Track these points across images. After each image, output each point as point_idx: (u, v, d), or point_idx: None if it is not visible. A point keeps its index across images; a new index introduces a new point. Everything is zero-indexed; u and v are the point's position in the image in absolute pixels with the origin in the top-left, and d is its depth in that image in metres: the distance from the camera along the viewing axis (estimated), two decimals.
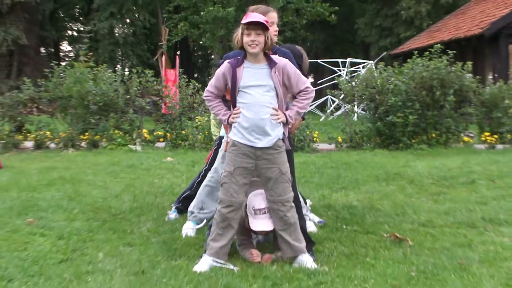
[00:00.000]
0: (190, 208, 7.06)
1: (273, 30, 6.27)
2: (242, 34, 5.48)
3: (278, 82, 5.53)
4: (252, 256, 5.63)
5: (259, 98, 5.50)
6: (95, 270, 5.51)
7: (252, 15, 5.48)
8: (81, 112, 15.69)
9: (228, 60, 5.67)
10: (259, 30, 5.41)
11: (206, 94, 5.83)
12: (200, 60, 56.81)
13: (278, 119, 5.54)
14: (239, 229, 5.75)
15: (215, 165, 6.88)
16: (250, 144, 5.53)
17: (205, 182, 7.04)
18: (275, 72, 5.52)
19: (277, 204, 5.61)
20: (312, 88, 5.74)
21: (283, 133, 5.62)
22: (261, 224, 5.67)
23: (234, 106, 5.60)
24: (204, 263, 5.53)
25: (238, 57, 5.61)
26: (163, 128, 16.50)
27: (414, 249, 6.12)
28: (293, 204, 5.70)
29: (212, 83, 5.76)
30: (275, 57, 5.64)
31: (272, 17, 6.29)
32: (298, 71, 5.71)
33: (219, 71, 5.69)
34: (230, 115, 5.62)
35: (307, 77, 6.33)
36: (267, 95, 5.51)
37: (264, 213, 5.66)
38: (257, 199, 5.71)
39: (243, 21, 5.45)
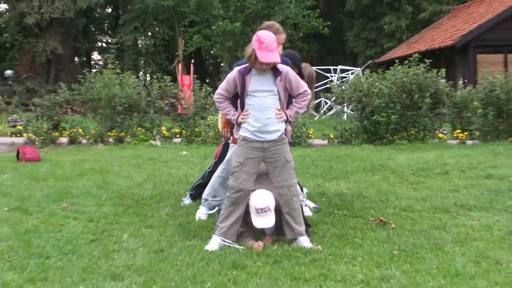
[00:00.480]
0: (204, 196, 7.05)
1: (280, 50, 6.26)
2: (256, 61, 5.50)
3: (281, 87, 5.65)
4: (254, 247, 5.55)
5: (265, 101, 5.61)
6: (120, 249, 5.49)
7: (266, 46, 5.46)
8: (109, 112, 15.68)
9: (238, 68, 5.75)
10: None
11: (217, 96, 5.88)
12: (211, 68, 56.72)
13: (281, 117, 5.66)
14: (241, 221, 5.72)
15: (227, 157, 6.85)
16: (259, 139, 5.61)
17: (217, 173, 7.02)
18: (280, 80, 5.63)
19: (283, 189, 5.64)
20: (309, 91, 5.83)
21: (285, 128, 5.72)
22: (262, 221, 5.62)
23: (243, 107, 5.64)
24: (214, 243, 5.52)
25: (247, 65, 5.65)
26: (179, 126, 16.48)
27: (396, 231, 6.10)
28: (297, 190, 5.71)
29: (223, 87, 5.81)
30: (278, 66, 5.66)
31: (280, 38, 6.27)
32: (298, 77, 5.80)
33: (229, 76, 5.76)
34: (239, 115, 5.66)
35: (306, 81, 6.38)
36: (271, 98, 5.64)
37: (265, 211, 5.59)
38: (259, 199, 5.66)
39: (261, 59, 5.46)
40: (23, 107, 26.68)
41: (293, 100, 5.82)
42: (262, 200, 5.64)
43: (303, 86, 5.80)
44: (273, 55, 5.47)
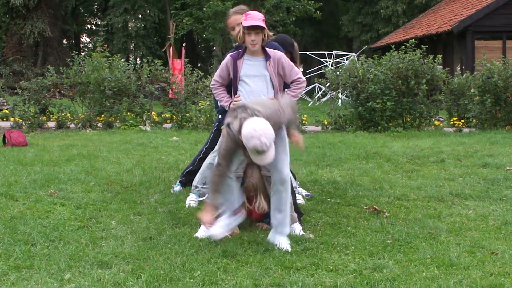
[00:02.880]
0: (194, 183, 7.06)
1: (235, 32, 6.29)
2: (243, 33, 5.51)
3: (273, 73, 5.60)
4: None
5: (257, 87, 5.58)
6: (108, 236, 5.49)
7: (252, 16, 5.47)
8: (98, 97, 15.65)
9: (230, 53, 5.78)
10: (258, 30, 5.47)
11: (212, 83, 5.91)
12: (203, 51, 56.57)
13: None
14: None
15: (218, 144, 6.83)
16: None
17: (208, 160, 7.01)
18: (270, 64, 5.59)
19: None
20: (303, 78, 5.79)
21: None
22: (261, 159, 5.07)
23: (235, 93, 5.64)
24: (204, 230, 5.52)
25: (239, 51, 5.65)
26: (170, 111, 16.46)
27: (390, 220, 6.11)
28: (289, 178, 5.61)
29: (217, 73, 5.85)
30: (270, 51, 5.65)
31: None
32: (291, 63, 5.78)
33: (223, 63, 5.80)
34: (231, 102, 5.64)
35: (298, 65, 6.36)
36: (264, 83, 5.59)
37: (264, 151, 4.94)
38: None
39: (245, 24, 5.46)
40: (10, 91, 26.53)
41: (288, 88, 5.80)
42: (256, 143, 5.01)
43: (297, 72, 5.78)
44: (257, 22, 5.48)
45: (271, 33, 5.70)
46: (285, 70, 5.68)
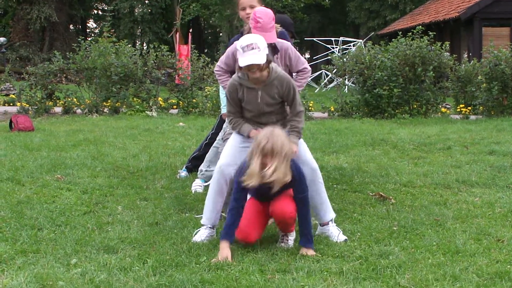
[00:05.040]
0: (200, 167, 7.06)
1: (245, 13, 6.20)
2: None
3: (279, 63, 5.58)
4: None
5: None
6: (114, 221, 5.51)
7: (262, 28, 5.38)
8: (104, 82, 15.63)
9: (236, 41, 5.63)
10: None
11: (217, 69, 5.88)
12: (210, 37, 56.37)
13: None
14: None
15: (221, 133, 6.83)
16: None
17: (214, 144, 7.01)
18: (277, 58, 5.60)
19: None
20: (309, 68, 5.82)
21: None
22: (248, 59, 4.95)
23: None
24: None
25: None
26: (176, 96, 16.44)
27: (396, 207, 6.11)
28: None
29: (222, 60, 5.82)
30: (278, 42, 5.61)
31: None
32: (298, 54, 5.83)
33: (229, 50, 5.78)
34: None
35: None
36: None
37: (252, 48, 4.94)
38: (245, 38, 5.10)
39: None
40: (17, 76, 26.53)
41: (293, 77, 5.77)
42: (248, 39, 5.05)
43: (303, 62, 5.80)
44: (269, 36, 5.37)
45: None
46: (292, 61, 5.71)
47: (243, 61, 4.93)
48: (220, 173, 5.15)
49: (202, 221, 5.19)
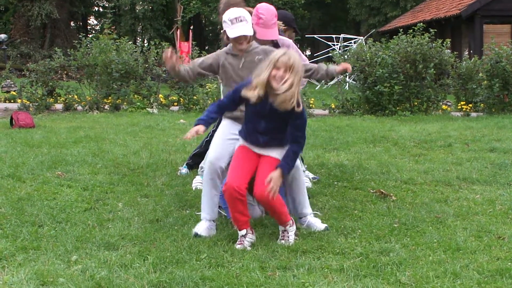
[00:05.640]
0: (201, 164, 7.06)
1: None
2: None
3: None
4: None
5: None
6: (115, 218, 5.51)
7: (265, 24, 5.52)
8: (105, 79, 15.64)
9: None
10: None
11: None
12: (210, 34, 56.31)
13: None
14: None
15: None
16: None
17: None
18: None
19: None
20: (310, 65, 5.81)
21: None
22: (237, 30, 5.13)
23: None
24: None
25: None
26: (177, 93, 16.43)
27: (396, 204, 6.10)
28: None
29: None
30: (280, 40, 5.63)
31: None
32: (299, 51, 5.82)
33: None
34: None
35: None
36: None
37: (240, 20, 5.12)
38: (232, 11, 5.23)
39: (258, 35, 5.33)
40: (18, 72, 26.52)
41: None
42: (235, 11, 5.18)
43: (304, 60, 5.83)
44: (271, 32, 5.41)
45: None
46: None
47: (233, 33, 5.09)
48: (211, 167, 5.22)
49: (202, 217, 5.22)
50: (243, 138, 4.97)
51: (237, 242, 4.77)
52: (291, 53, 4.65)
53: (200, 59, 5.48)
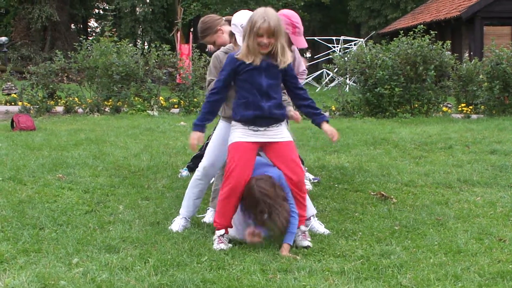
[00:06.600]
0: None
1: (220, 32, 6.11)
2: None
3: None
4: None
5: None
6: (116, 221, 5.50)
7: (300, 33, 5.52)
8: (106, 81, 15.66)
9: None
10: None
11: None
12: None
13: None
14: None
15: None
16: None
17: None
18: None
19: None
20: (306, 70, 6.01)
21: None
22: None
23: None
24: (210, 215, 5.54)
25: None
26: (177, 96, 16.46)
27: (397, 206, 6.10)
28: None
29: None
30: None
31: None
32: (300, 57, 5.86)
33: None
34: None
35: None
36: None
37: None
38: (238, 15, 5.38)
39: (296, 44, 5.45)
40: (18, 75, 26.56)
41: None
42: (244, 16, 5.15)
43: (303, 65, 5.89)
44: (303, 39, 5.47)
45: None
46: (295, 62, 5.76)
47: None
48: (204, 172, 5.37)
49: (180, 211, 5.41)
50: (243, 124, 4.87)
51: (217, 241, 4.79)
52: (269, 16, 4.61)
53: (211, 84, 5.32)
